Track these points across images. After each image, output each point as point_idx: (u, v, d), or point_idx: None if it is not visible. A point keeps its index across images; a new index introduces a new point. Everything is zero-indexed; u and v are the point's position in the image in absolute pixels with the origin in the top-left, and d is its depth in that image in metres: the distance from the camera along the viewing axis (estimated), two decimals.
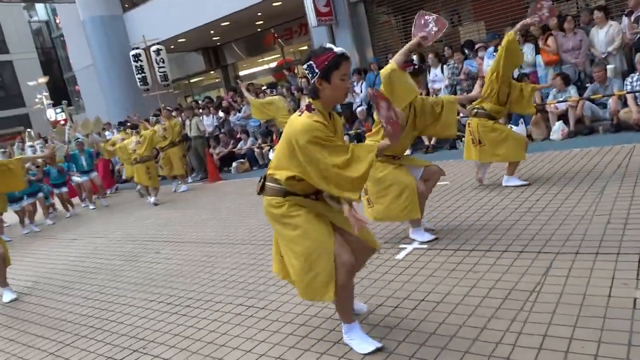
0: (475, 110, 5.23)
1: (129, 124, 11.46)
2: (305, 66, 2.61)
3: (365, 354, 2.64)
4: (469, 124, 5.21)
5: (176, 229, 6.71)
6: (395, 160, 4.02)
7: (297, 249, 2.64)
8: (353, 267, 2.63)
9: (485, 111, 5.18)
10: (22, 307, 4.74)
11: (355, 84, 10.16)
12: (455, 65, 8.65)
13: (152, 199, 9.01)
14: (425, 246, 3.98)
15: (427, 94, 9.12)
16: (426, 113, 4.13)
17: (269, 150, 10.77)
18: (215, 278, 4.33)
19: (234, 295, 3.84)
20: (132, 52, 12.14)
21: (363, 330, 2.78)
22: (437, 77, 8.88)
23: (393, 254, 3.97)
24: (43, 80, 34.26)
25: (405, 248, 4.04)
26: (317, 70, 2.57)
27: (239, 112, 12.12)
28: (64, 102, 21.23)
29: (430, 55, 8.83)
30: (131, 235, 6.97)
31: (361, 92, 9.98)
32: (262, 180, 2.77)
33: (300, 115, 2.56)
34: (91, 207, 10.26)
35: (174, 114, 12.61)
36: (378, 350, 2.63)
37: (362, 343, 2.69)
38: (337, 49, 2.56)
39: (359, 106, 9.91)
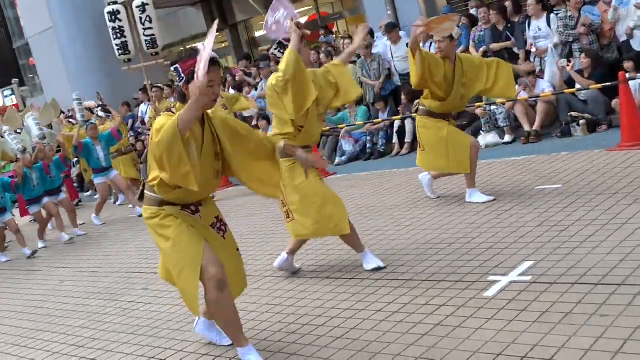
0: (417, 107, 6.13)
1: (99, 108, 11.85)
2: (172, 69, 3.44)
3: None
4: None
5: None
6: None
7: (169, 262, 3.61)
8: (221, 281, 3.48)
9: (426, 108, 6.00)
10: None
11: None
12: (569, 14, 8.51)
13: (138, 210, 9.24)
14: (527, 279, 3.95)
15: (527, 56, 9.00)
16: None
17: None
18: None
19: (258, 348, 3.89)
20: (108, 9, 12.46)
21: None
22: (542, 31, 8.75)
23: (480, 290, 3.96)
24: None
25: (499, 281, 4.02)
26: (183, 75, 3.42)
27: (255, 89, 12.27)
28: (14, 81, 22.05)
29: (530, 1, 8.73)
30: (111, 264, 7.16)
31: None
32: (142, 187, 3.65)
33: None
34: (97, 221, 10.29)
35: (165, 93, 12.91)
36: None
37: None
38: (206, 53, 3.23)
39: None
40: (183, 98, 3.49)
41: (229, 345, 3.96)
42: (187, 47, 3.29)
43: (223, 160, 3.73)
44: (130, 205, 10.48)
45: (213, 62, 3.34)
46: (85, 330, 5.05)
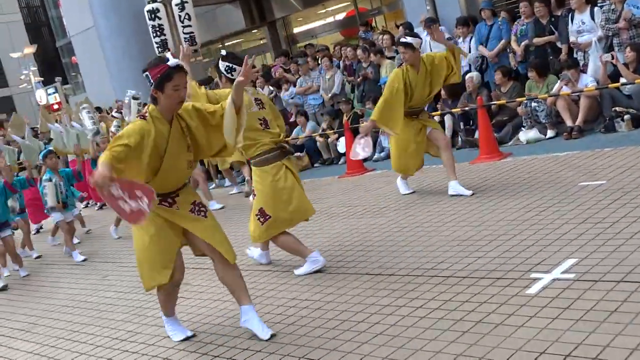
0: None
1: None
2: (144, 75, 3.98)
3: (177, 341, 4.42)
4: None
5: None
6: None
7: (135, 245, 4.27)
8: (177, 283, 4.34)
9: None
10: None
11: (460, 39, 10.07)
12: (613, 7, 8.34)
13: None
14: (571, 276, 3.90)
15: (569, 51, 8.86)
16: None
17: (337, 138, 10.87)
18: (266, 319, 4.43)
19: (295, 344, 3.93)
20: (147, 7, 12.64)
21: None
22: (585, 25, 8.59)
23: (522, 287, 3.92)
24: (30, 50, 36.41)
25: (541, 278, 3.98)
26: (152, 81, 3.92)
27: (294, 85, 12.32)
28: (57, 79, 22.50)
29: None
30: None
31: (469, 51, 9.86)
32: None
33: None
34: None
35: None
36: (187, 338, 4.41)
37: (176, 332, 4.47)
38: (171, 62, 3.87)
39: (467, 72, 9.80)
40: (155, 101, 4.01)
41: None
42: (157, 55, 4.03)
43: (195, 147, 4.17)
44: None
45: (179, 68, 3.91)
46: (128, 324, 5.15)
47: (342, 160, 10.63)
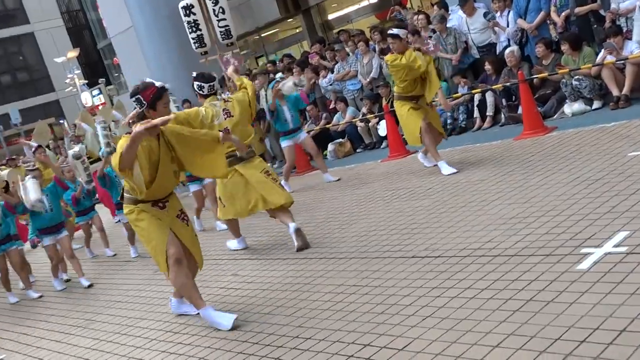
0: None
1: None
2: (133, 99, 4.63)
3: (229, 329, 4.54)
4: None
5: (257, 240, 7.00)
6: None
7: (146, 244, 4.87)
8: (178, 258, 4.69)
9: (397, 93, 7.55)
10: None
11: (498, 14, 9.86)
12: None
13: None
14: (623, 250, 3.80)
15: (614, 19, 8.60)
16: None
17: (378, 122, 10.80)
18: (316, 307, 4.47)
19: (346, 330, 3.93)
20: (182, 4, 12.72)
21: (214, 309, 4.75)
22: None
23: (573, 263, 3.84)
24: (73, 54, 37.10)
25: (592, 253, 3.89)
26: (145, 102, 4.60)
27: (332, 72, 12.28)
28: (101, 81, 22.89)
29: None
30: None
31: (507, 25, 9.67)
32: (122, 190, 4.92)
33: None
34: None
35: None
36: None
37: (220, 320, 4.63)
38: (157, 83, 4.66)
39: (506, 46, 9.61)
40: (143, 119, 4.57)
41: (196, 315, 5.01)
42: (143, 81, 4.76)
43: (177, 160, 4.79)
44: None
45: (164, 88, 4.64)
46: (181, 317, 5.23)
47: (384, 144, 10.57)
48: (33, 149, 11.04)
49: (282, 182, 9.02)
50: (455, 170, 7.12)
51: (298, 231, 6.09)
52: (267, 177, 6.32)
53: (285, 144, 9.43)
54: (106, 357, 4.94)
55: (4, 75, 41.57)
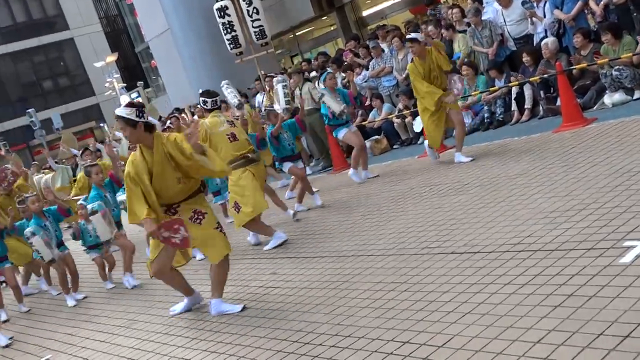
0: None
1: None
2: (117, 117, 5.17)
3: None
4: None
5: (294, 239, 7.02)
6: None
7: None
8: (157, 272, 5.40)
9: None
10: None
11: (534, 4, 9.71)
12: None
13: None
14: None
15: None
16: None
17: (414, 118, 10.74)
18: (355, 304, 4.47)
19: (384, 327, 3.92)
20: (216, 5, 12.83)
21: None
22: None
23: (615, 257, 3.76)
24: (112, 58, 37.75)
25: (635, 246, 3.81)
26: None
27: (366, 69, 12.25)
28: (139, 84, 23.17)
29: None
30: (240, 249, 7.42)
31: (544, 16, 9.51)
32: None
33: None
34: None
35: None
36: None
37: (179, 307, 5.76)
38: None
39: (543, 38, 9.45)
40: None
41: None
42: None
43: (181, 168, 5.05)
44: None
45: (124, 119, 5.01)
46: (222, 316, 5.27)
47: (420, 139, 10.50)
48: (80, 152, 11.29)
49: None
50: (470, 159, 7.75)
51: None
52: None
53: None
54: (149, 356, 5.01)
55: (45, 81, 42.46)
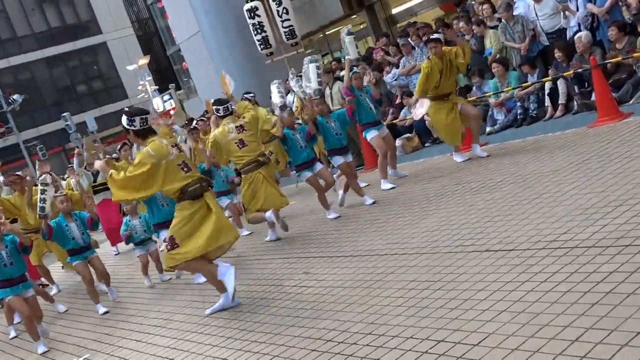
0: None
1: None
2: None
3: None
4: None
5: (327, 238, 7.03)
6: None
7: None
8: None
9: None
10: None
11: None
12: None
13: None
14: None
15: None
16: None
17: None
18: (388, 303, 4.45)
19: (419, 326, 3.90)
20: (246, 6, 12.91)
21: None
22: None
23: None
24: (144, 61, 38.14)
25: None
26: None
27: (397, 67, 12.19)
28: (171, 86, 23.39)
29: None
30: (271, 251, 7.46)
31: (577, 9, 9.37)
32: None
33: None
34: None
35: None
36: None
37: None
38: None
39: (576, 32, 9.31)
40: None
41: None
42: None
43: None
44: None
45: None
46: (254, 315, 5.30)
47: None
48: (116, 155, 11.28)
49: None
50: (485, 154, 8.10)
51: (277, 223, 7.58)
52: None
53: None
54: (184, 355, 5.06)
55: (80, 85, 43.10)
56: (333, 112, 8.41)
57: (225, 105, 7.71)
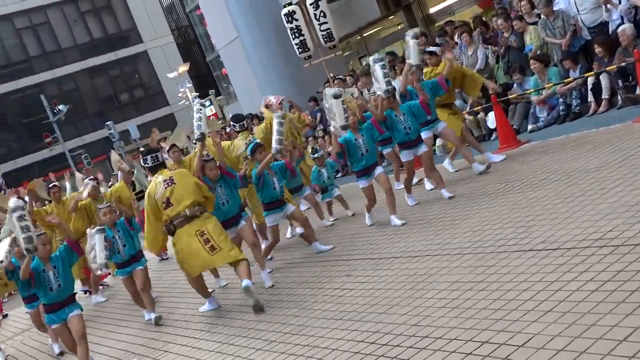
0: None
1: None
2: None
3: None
4: None
5: (367, 240, 7.03)
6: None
7: None
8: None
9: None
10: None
11: None
12: None
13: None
14: None
15: None
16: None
17: (486, 114, 10.56)
18: (432, 304, 4.44)
19: (462, 327, 3.88)
20: (284, 11, 12.98)
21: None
22: None
23: None
24: (184, 68, 38.67)
25: None
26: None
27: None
28: (211, 92, 23.64)
29: None
30: (312, 254, 7.48)
31: (619, 2, 9.18)
32: None
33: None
34: None
35: (348, 83, 13.14)
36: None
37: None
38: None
39: (619, 25, 9.12)
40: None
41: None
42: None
43: None
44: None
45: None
46: (298, 319, 5.34)
47: (493, 135, 10.31)
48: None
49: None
50: (497, 159, 8.34)
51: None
52: None
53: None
54: (229, 359, 5.12)
55: (122, 93, 43.87)
56: (403, 105, 7.85)
57: (241, 123, 8.55)
